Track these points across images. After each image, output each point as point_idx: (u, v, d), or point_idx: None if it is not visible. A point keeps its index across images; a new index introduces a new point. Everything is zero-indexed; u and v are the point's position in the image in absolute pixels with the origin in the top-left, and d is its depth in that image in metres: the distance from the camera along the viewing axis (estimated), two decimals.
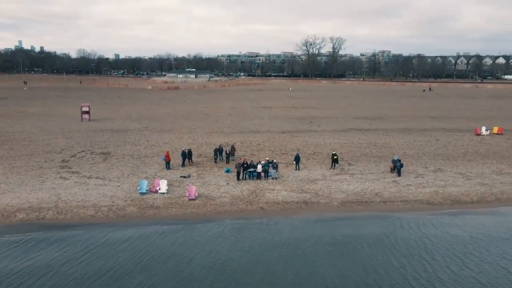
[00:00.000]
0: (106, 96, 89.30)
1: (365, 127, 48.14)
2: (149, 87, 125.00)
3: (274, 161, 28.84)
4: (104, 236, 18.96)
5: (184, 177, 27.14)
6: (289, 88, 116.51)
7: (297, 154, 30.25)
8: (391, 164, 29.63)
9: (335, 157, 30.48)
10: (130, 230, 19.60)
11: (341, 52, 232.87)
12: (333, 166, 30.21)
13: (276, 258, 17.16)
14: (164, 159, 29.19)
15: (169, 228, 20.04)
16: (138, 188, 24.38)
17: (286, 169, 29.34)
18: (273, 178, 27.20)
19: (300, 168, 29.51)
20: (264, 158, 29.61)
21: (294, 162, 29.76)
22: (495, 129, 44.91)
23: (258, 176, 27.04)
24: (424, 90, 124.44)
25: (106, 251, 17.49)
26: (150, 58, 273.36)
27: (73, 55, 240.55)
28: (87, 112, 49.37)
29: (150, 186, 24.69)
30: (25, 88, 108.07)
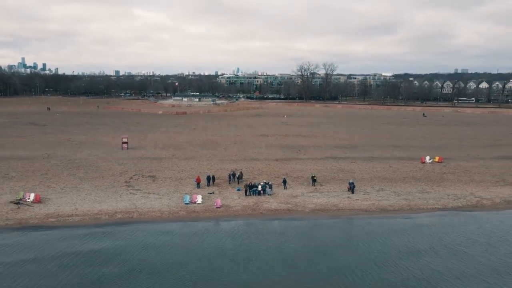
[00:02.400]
0: (128, 123, 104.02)
1: (339, 156, 62.65)
2: (160, 112, 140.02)
3: (270, 183, 43.32)
4: (170, 227, 33.17)
5: (210, 193, 41.51)
6: (284, 116, 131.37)
7: (284, 178, 44.84)
8: (348, 185, 44.10)
9: (315, 177, 45.44)
10: (184, 224, 33.85)
11: (337, 70, 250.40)
12: (313, 184, 44.88)
13: (269, 238, 31.42)
14: (196, 181, 43.65)
15: (206, 223, 34.32)
16: (184, 200, 38.75)
17: (277, 188, 43.69)
18: (268, 195, 41.55)
19: (287, 188, 43.91)
20: (262, 181, 43.99)
21: (283, 183, 44.26)
22: (436, 158, 59.42)
23: (259, 193, 41.40)
24: (425, 115, 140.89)
25: (171, 232, 31.71)
26: (150, 76, 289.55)
27: (75, 71, 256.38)
28: (126, 143, 63.92)
29: (191, 199, 39.01)
30: (57, 114, 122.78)
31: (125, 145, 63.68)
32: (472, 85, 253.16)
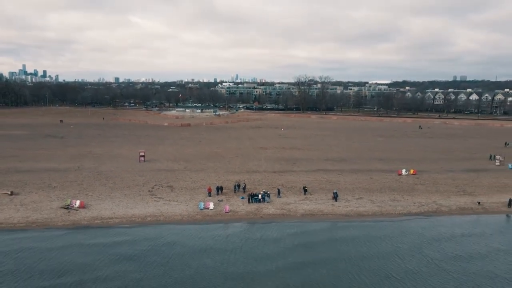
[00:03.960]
0: (138, 135, 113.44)
1: (329, 168, 72.07)
2: (165, 124, 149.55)
3: (268, 192, 52.75)
4: (190, 227, 42.49)
5: (220, 201, 50.87)
6: (281, 129, 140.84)
7: (278, 188, 54.36)
8: (332, 194, 53.50)
9: (306, 188, 54.94)
10: (199, 226, 43.19)
11: (336, 77, 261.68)
12: (304, 193, 54.30)
13: (267, 236, 40.74)
14: (207, 191, 53.06)
15: (218, 225, 43.61)
16: (198, 206, 48.10)
17: (274, 197, 53.02)
18: (267, 202, 50.90)
19: (281, 196, 53.30)
20: (262, 190, 53.37)
21: (277, 192, 53.68)
22: (411, 171, 68.86)
23: (259, 201, 50.75)
24: (421, 128, 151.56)
25: (191, 231, 41.01)
26: (150, 84, 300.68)
27: (75, 78, 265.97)
28: (143, 156, 73.38)
29: (204, 205, 48.34)
30: (71, 127, 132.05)
31: (142, 158, 73.05)
32: (462, 96, 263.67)
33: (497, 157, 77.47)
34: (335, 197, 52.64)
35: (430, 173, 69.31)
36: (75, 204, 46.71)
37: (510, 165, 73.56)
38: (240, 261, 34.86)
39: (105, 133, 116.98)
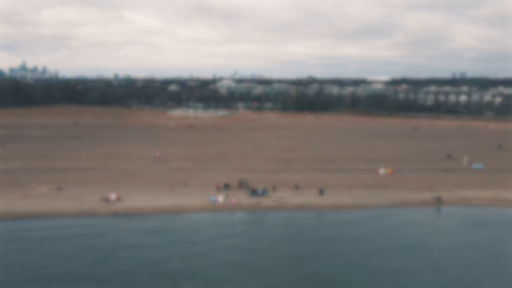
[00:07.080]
0: (148, 136, 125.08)
1: (319, 167, 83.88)
2: (171, 125, 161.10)
3: (266, 188, 64.58)
4: (204, 215, 54.27)
5: (227, 195, 62.67)
6: (279, 130, 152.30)
7: (274, 185, 66.20)
8: (319, 190, 65.32)
9: (297, 185, 66.81)
10: (212, 214, 55.00)
11: (334, 74, 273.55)
12: (296, 189, 66.12)
13: (265, 223, 52.61)
14: (216, 187, 64.86)
15: (225, 213, 55.43)
16: (210, 199, 59.91)
17: (270, 192, 64.81)
18: (265, 196, 62.71)
19: (275, 191, 65.07)
20: (261, 187, 65.17)
21: (272, 189, 65.52)
22: (388, 170, 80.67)
23: (259, 195, 62.58)
24: (416, 128, 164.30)
25: (206, 218, 52.82)
26: (150, 81, 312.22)
27: (73, 74, 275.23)
28: (159, 156, 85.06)
29: (215, 199, 60.10)
30: (85, 128, 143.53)
31: (157, 159, 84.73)
32: (452, 97, 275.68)
33: (465, 158, 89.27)
34: (321, 192, 64.44)
35: (404, 172, 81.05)
36: (112, 197, 58.42)
37: (474, 165, 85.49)
38: (244, 236, 46.70)
39: (119, 134, 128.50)
